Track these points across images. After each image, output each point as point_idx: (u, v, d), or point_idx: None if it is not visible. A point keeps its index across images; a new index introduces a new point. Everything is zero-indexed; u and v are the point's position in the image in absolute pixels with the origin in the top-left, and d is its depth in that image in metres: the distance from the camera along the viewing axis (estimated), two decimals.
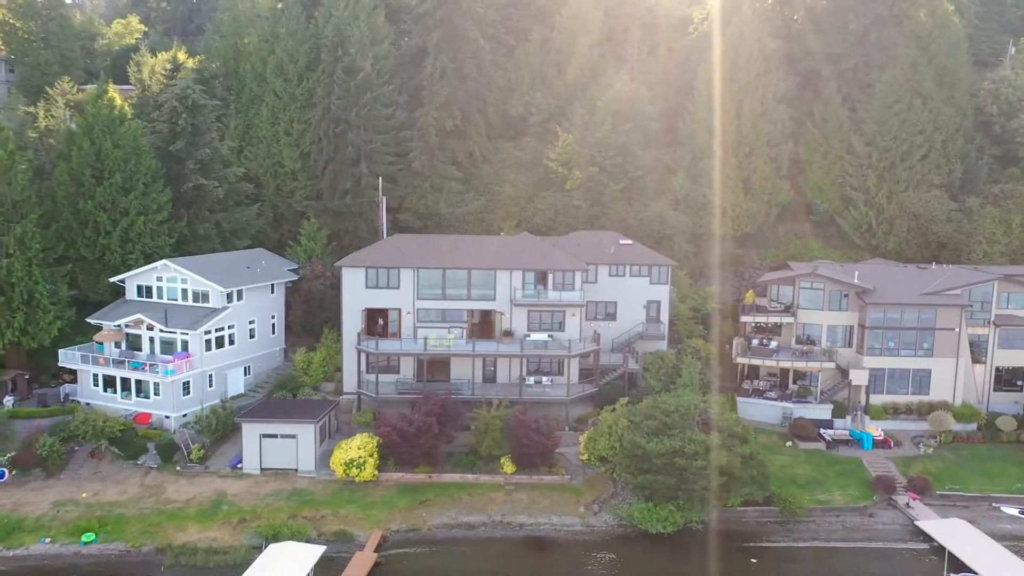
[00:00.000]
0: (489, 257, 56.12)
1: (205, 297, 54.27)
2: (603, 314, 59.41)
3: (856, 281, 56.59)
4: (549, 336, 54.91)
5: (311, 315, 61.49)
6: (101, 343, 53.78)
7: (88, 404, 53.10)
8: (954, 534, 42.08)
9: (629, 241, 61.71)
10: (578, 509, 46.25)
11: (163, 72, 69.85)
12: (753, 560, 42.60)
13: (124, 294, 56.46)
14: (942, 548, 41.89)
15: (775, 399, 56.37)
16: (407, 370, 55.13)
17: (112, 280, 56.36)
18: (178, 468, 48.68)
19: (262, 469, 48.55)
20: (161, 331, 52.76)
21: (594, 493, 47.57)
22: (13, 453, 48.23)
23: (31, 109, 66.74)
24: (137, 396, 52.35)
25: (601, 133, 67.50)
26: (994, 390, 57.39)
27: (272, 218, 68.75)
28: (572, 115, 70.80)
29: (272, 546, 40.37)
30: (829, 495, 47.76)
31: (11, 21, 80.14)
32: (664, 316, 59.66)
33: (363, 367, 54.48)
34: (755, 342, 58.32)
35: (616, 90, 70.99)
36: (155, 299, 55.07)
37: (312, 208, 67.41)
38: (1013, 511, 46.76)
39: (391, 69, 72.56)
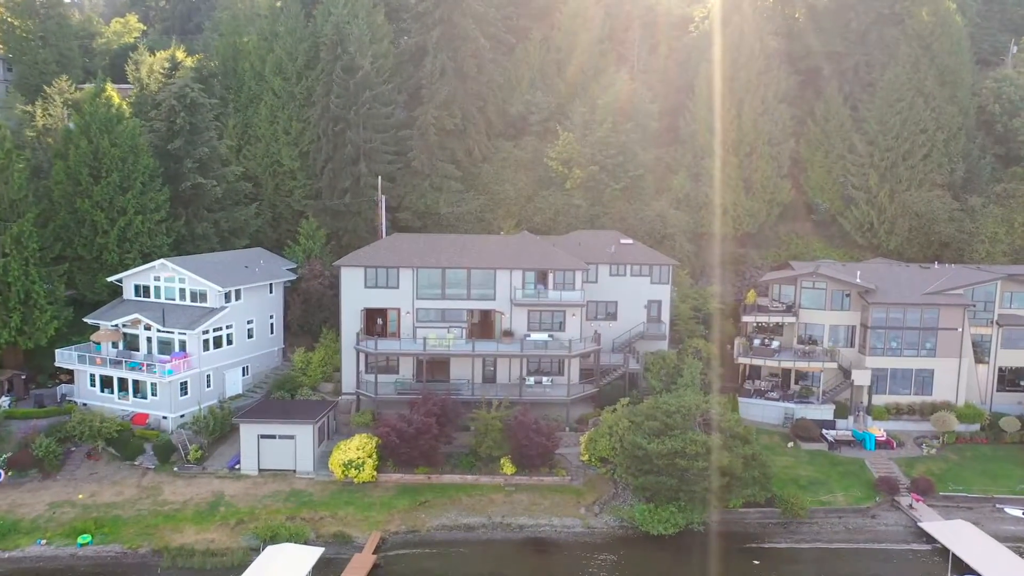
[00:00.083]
0: (489, 256, 55.79)
1: (203, 297, 53.93)
2: (604, 314, 59.10)
3: (858, 281, 56.26)
4: (549, 336, 54.58)
5: (310, 315, 61.17)
6: (98, 343, 53.45)
7: (85, 404, 52.77)
8: (958, 536, 41.80)
9: (630, 240, 61.40)
10: (579, 510, 45.93)
11: (161, 71, 69.76)
12: (756, 562, 42.28)
13: (121, 294, 56.14)
14: (946, 550, 41.60)
15: (777, 399, 56.06)
16: (406, 370, 54.81)
17: (109, 280, 56.04)
18: (175, 469, 48.35)
19: (260, 470, 48.23)
20: (159, 331, 52.43)
21: (595, 494, 47.26)
22: (9, 454, 47.89)
23: (29, 108, 66.39)
24: (134, 396, 52.03)
25: (602, 132, 67.22)
26: (997, 390, 57.11)
27: (271, 217, 68.43)
28: (572, 114, 70.52)
29: (270, 548, 40.08)
30: (831, 496, 47.45)
31: (9, 20, 79.76)
32: (665, 316, 59.33)
33: (362, 367, 54.16)
34: (757, 342, 57.98)
35: (617, 89, 70.75)
36: (153, 299, 54.73)
37: (311, 207, 67.09)
38: (1017, 512, 46.42)
39: (390, 68, 72.26)
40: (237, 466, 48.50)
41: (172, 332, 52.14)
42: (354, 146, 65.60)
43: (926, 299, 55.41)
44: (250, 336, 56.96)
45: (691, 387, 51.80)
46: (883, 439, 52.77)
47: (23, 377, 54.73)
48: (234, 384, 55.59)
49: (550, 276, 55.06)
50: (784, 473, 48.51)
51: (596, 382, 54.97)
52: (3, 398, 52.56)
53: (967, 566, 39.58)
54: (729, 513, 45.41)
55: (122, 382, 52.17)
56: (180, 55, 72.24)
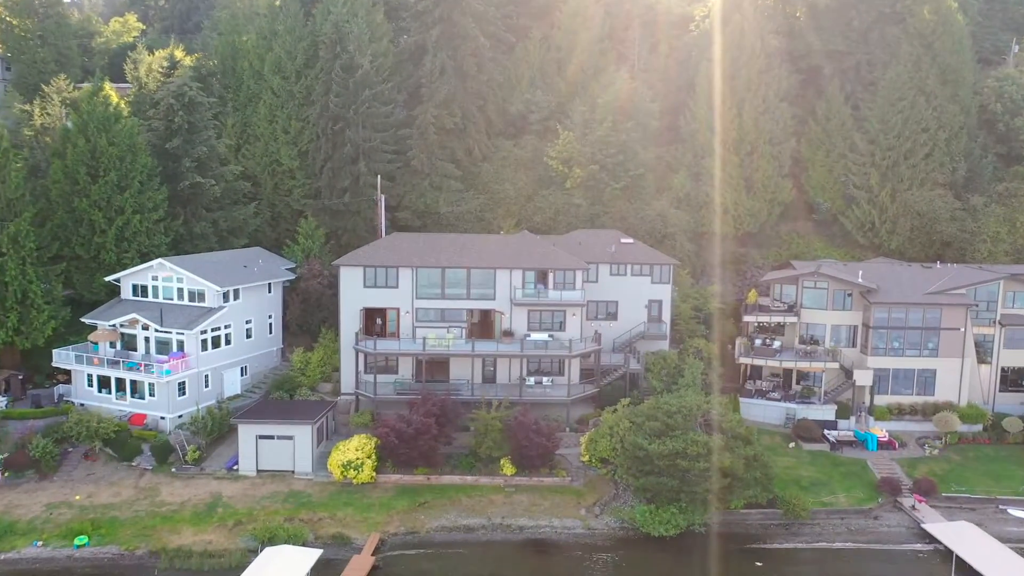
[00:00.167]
0: (489, 256, 55.50)
1: (201, 296, 53.63)
2: (604, 314, 58.81)
3: (860, 280, 55.97)
4: (549, 336, 54.28)
5: (309, 315, 60.90)
6: (96, 343, 53.16)
7: (82, 405, 52.46)
8: (961, 538, 41.54)
9: (630, 240, 61.11)
10: (579, 511, 45.64)
11: (160, 70, 69.50)
12: (758, 564, 41.96)
13: (119, 293, 55.86)
14: (949, 552, 41.34)
15: (778, 400, 55.78)
16: (406, 370, 54.51)
17: (107, 279, 55.75)
18: (173, 470, 48.04)
19: (258, 471, 47.92)
20: (156, 331, 52.14)
21: (595, 495, 46.97)
22: (6, 454, 47.60)
23: (27, 107, 66.11)
24: (132, 397, 51.74)
25: (602, 131, 66.96)
26: (1000, 391, 56.75)
27: (269, 217, 68.14)
28: (572, 113, 70.25)
29: (268, 549, 39.82)
30: (833, 497, 47.15)
31: (7, 19, 79.53)
32: (666, 316, 59.04)
33: (361, 367, 53.86)
34: (758, 342, 57.68)
35: (617, 88, 70.51)
36: (151, 298, 54.44)
37: (310, 207, 66.80)
38: (1020, 514, 45.93)
39: (390, 66, 71.97)
40: (235, 467, 48.20)
41: (170, 332, 51.85)
42: (353, 145, 65.32)
43: (928, 299, 55.12)
44: (248, 336, 56.65)
45: (692, 387, 51.57)
46: (885, 440, 52.46)
47: (20, 377, 54.46)
48: (232, 384, 55.29)
49: (550, 276, 54.77)
50: (786, 474, 48.22)
51: (596, 382, 54.68)
52: (0, 398, 52.21)
53: (971, 568, 39.29)
54: (730, 514, 45.12)
55: (120, 382, 51.88)
56: (179, 54, 71.94)
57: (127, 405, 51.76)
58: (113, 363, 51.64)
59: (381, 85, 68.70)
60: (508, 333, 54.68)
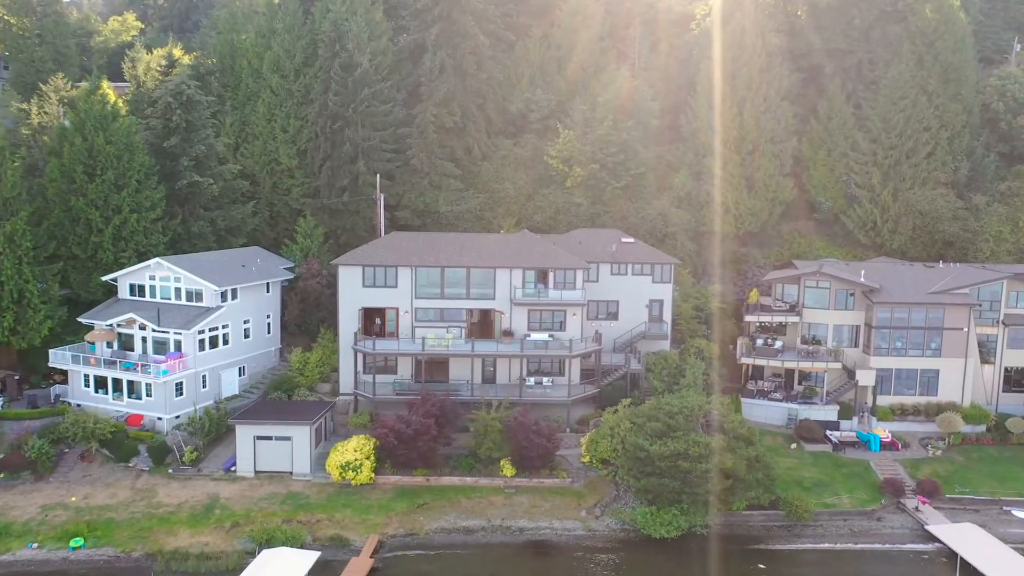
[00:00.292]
0: (489, 255, 55.13)
1: (199, 296, 53.25)
2: (605, 313, 58.44)
3: (862, 280, 55.61)
4: (550, 336, 53.91)
5: (307, 314, 60.54)
6: (93, 343, 52.78)
7: (79, 405, 52.08)
8: (966, 539, 41.21)
9: (631, 239, 60.74)
10: (580, 513, 45.26)
11: (158, 68, 69.22)
12: (761, 566, 41.55)
13: (116, 293, 55.48)
14: (952, 553, 41.05)
15: (780, 400, 55.43)
16: (405, 371, 54.14)
17: (104, 279, 55.30)
18: (170, 471, 47.68)
19: (256, 472, 47.55)
20: (154, 331, 51.75)
21: (596, 496, 46.59)
22: (1, 455, 47.28)
23: (24, 106, 65.75)
24: (129, 397, 51.34)
25: (602, 130, 66.62)
26: (1003, 391, 56.43)
27: (268, 216, 67.76)
28: (573, 112, 69.90)
29: (265, 552, 39.52)
30: (836, 498, 46.78)
31: (5, 17, 79.16)
32: (667, 315, 58.66)
33: (360, 367, 53.50)
34: (760, 342, 57.32)
35: (617, 86, 70.16)
36: (148, 298, 54.07)
37: (309, 206, 66.43)
38: None
39: (389, 65, 71.59)
40: (233, 468, 47.84)
41: (167, 332, 51.47)
42: (352, 144, 64.95)
43: (931, 298, 54.76)
44: (246, 336, 56.27)
45: (693, 388, 51.21)
46: (888, 440, 52.10)
47: (16, 377, 54.03)
48: (230, 385, 54.90)
49: (550, 275, 54.41)
50: (788, 475, 47.85)
51: (597, 382, 54.30)
52: None
53: (975, 570, 38.94)
54: (732, 516, 44.74)
55: (117, 383, 51.49)
56: (177, 53, 71.67)
57: (124, 406, 51.38)
58: (110, 363, 51.26)
59: (380, 84, 68.34)
60: (508, 333, 54.31)
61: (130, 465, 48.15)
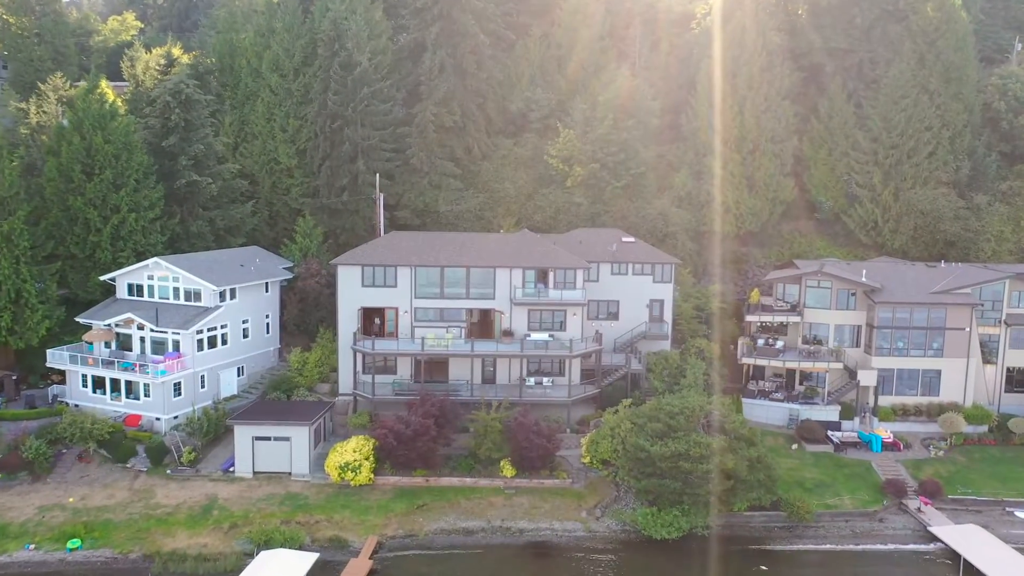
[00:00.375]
0: (488, 255, 54.89)
1: (197, 296, 53.01)
2: (605, 313, 58.20)
3: (864, 280, 55.36)
4: (550, 336, 53.66)
5: (306, 314, 60.30)
6: (91, 343, 52.54)
7: (77, 405, 51.83)
8: (969, 540, 40.97)
9: (631, 239, 60.50)
10: (580, 514, 45.02)
11: (157, 67, 68.97)
12: (763, 567, 41.29)
13: (115, 293, 55.23)
14: (955, 554, 40.84)
15: (781, 400, 55.18)
16: (404, 371, 53.89)
17: (102, 278, 55.03)
18: (168, 472, 47.44)
19: (255, 473, 47.30)
20: (152, 331, 51.50)
21: (596, 497, 46.34)
22: None
23: (23, 105, 65.53)
24: (127, 397, 51.08)
25: (603, 129, 66.38)
26: (1005, 391, 56.17)
27: (267, 215, 67.47)
28: (573, 111, 69.65)
29: (263, 553, 39.29)
30: (838, 499, 46.54)
31: (4, 16, 78.95)
32: (667, 315, 58.41)
33: (359, 368, 53.25)
34: (761, 342, 57.08)
35: (618, 86, 69.94)
36: (146, 298, 53.82)
37: (308, 205, 66.17)
38: None
39: (389, 64, 71.34)
40: (231, 468, 47.59)
41: (166, 332, 51.23)
42: (352, 144, 64.71)
43: (933, 298, 54.53)
44: (245, 336, 56.03)
45: (694, 388, 50.95)
46: (890, 441, 51.85)
47: (14, 378, 53.79)
48: (229, 385, 54.64)
49: (550, 275, 54.16)
50: (789, 475, 47.60)
51: (597, 383, 54.04)
52: None
53: (979, 572, 38.68)
54: (734, 517, 44.50)
55: (115, 383, 51.23)
56: (176, 52, 71.42)
57: (122, 406, 51.12)
58: (108, 363, 51.01)
59: (380, 83, 68.10)
60: (508, 333, 54.06)
61: (128, 466, 47.91)
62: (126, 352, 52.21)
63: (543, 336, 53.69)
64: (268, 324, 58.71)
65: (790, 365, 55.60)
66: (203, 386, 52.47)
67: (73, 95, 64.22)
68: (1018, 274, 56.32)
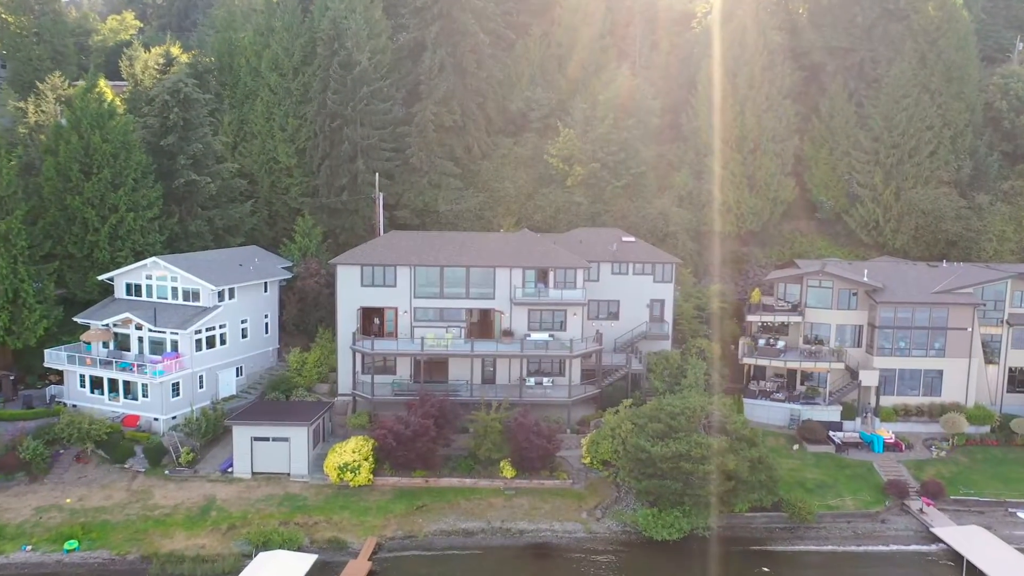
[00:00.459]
0: (488, 255, 54.65)
1: (196, 296, 52.78)
2: (605, 313, 57.95)
3: (866, 279, 55.14)
4: (550, 336, 53.42)
5: (305, 314, 60.08)
6: (88, 343, 52.30)
7: (75, 406, 51.59)
8: (972, 542, 40.73)
9: (632, 238, 60.26)
10: (580, 515, 44.79)
11: (156, 66, 68.76)
12: (766, 569, 41.04)
13: (113, 292, 55.00)
14: (957, 555, 40.63)
15: (782, 400, 54.95)
16: (404, 371, 53.67)
17: (100, 278, 54.80)
18: (166, 472, 47.22)
19: (253, 473, 47.08)
20: (150, 330, 51.27)
21: (597, 498, 46.11)
22: None
23: (21, 104, 65.30)
24: (125, 398, 50.85)
25: (603, 128, 66.15)
26: (1008, 391, 55.99)
27: (266, 215, 67.19)
28: (573, 110, 69.40)
29: (262, 554, 39.09)
30: (840, 500, 46.31)
31: (3, 16, 78.74)
32: (668, 315, 58.16)
33: (358, 368, 53.02)
34: (762, 342, 56.85)
35: (618, 85, 69.68)
36: (144, 298, 53.60)
37: (307, 205, 65.93)
38: None
39: (388, 63, 71.10)
40: (230, 469, 47.36)
41: (164, 332, 50.99)
42: (351, 143, 64.48)
43: (935, 298, 54.30)
44: (244, 336, 55.79)
45: (695, 388, 50.74)
46: (891, 441, 51.63)
47: (11, 378, 53.54)
48: (227, 385, 54.40)
49: (551, 274, 53.93)
50: (790, 476, 47.38)
51: (598, 383, 53.80)
52: None
53: (982, 573, 38.42)
54: (735, 517, 44.29)
55: (113, 383, 51.01)
56: (175, 51, 71.26)
57: (120, 406, 50.89)
58: (106, 363, 50.79)
59: (379, 82, 67.86)
60: (508, 333, 53.83)
61: (126, 466, 47.68)
62: (124, 352, 51.98)
63: (543, 336, 53.46)
64: (267, 324, 58.47)
65: (791, 365, 55.37)
66: (201, 386, 52.24)
67: (71, 94, 64.03)
68: (1020, 274, 56.13)
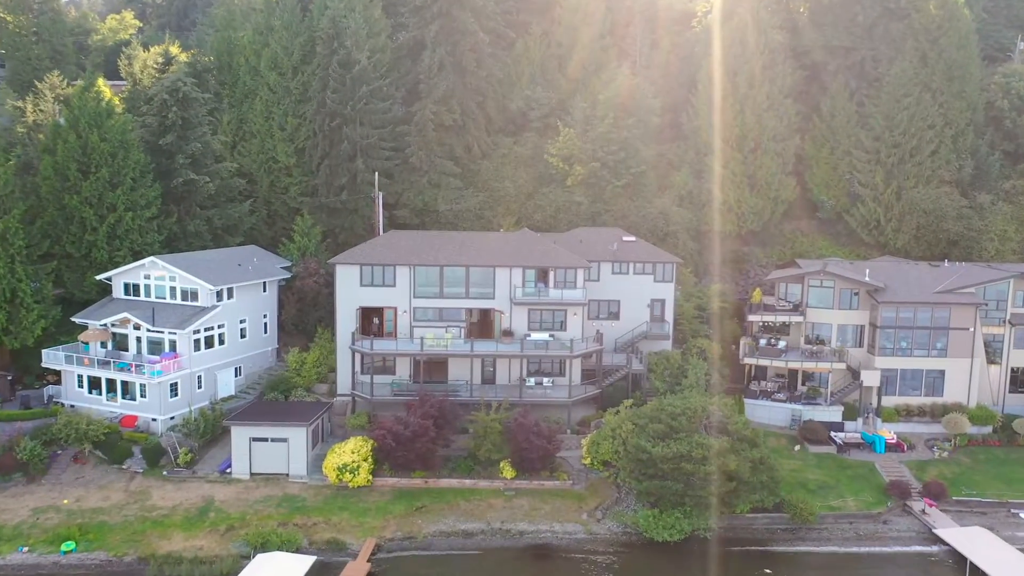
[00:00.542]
0: (488, 254, 54.43)
1: (194, 295, 52.55)
2: (606, 313, 57.72)
3: (867, 279, 54.92)
4: (550, 336, 53.19)
5: (304, 314, 59.85)
6: (86, 343, 52.08)
7: (72, 406, 51.37)
8: (975, 543, 40.50)
9: (632, 238, 60.04)
10: (581, 516, 44.56)
11: (155, 65, 68.57)
12: (767, 571, 40.79)
13: (111, 292, 54.77)
14: (959, 556, 40.40)
15: (784, 401, 54.74)
16: (403, 371, 53.45)
17: (98, 278, 54.57)
18: (164, 473, 46.99)
19: (252, 474, 46.86)
20: (148, 330, 51.05)
21: (597, 499, 45.89)
22: None
23: (20, 104, 65.08)
24: (123, 398, 50.64)
25: (603, 128, 65.93)
26: (1010, 391, 55.78)
27: (266, 214, 66.94)
28: (573, 110, 69.19)
29: (260, 556, 38.90)
30: (841, 501, 46.07)
31: (2, 15, 78.54)
32: (669, 315, 57.93)
33: (358, 368, 52.78)
34: (763, 342, 56.62)
35: (618, 84, 69.48)
36: (143, 297, 53.37)
37: (307, 204, 65.70)
38: None
39: (388, 62, 70.86)
40: (228, 470, 47.13)
41: (162, 332, 50.77)
42: (351, 142, 64.25)
43: (937, 298, 54.08)
44: (243, 336, 55.57)
45: (696, 388, 50.52)
46: (893, 442, 51.39)
47: (9, 378, 53.32)
48: (226, 385, 54.17)
49: (551, 274, 53.71)
50: (792, 477, 47.15)
51: (598, 383, 53.57)
52: None
53: (984, 574, 38.18)
54: (736, 518, 44.07)
55: (111, 383, 50.80)
56: (174, 50, 71.06)
57: (118, 406, 50.67)
58: (104, 363, 50.56)
59: (379, 81, 67.63)
60: (508, 333, 53.60)
61: (124, 467, 47.47)
62: (122, 352, 51.77)
63: (543, 336, 53.23)
64: (266, 324, 58.24)
65: (792, 365, 55.15)
66: (200, 386, 52.01)
67: (70, 93, 63.83)
68: (1022, 273, 55.90)
